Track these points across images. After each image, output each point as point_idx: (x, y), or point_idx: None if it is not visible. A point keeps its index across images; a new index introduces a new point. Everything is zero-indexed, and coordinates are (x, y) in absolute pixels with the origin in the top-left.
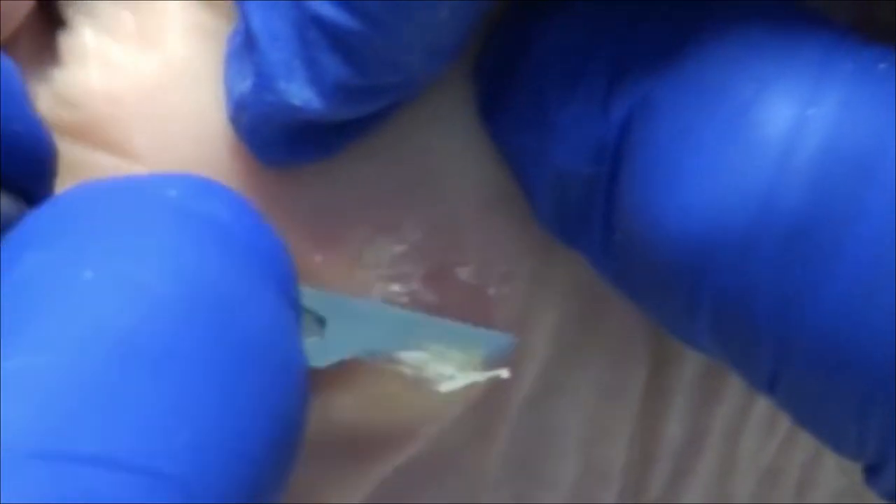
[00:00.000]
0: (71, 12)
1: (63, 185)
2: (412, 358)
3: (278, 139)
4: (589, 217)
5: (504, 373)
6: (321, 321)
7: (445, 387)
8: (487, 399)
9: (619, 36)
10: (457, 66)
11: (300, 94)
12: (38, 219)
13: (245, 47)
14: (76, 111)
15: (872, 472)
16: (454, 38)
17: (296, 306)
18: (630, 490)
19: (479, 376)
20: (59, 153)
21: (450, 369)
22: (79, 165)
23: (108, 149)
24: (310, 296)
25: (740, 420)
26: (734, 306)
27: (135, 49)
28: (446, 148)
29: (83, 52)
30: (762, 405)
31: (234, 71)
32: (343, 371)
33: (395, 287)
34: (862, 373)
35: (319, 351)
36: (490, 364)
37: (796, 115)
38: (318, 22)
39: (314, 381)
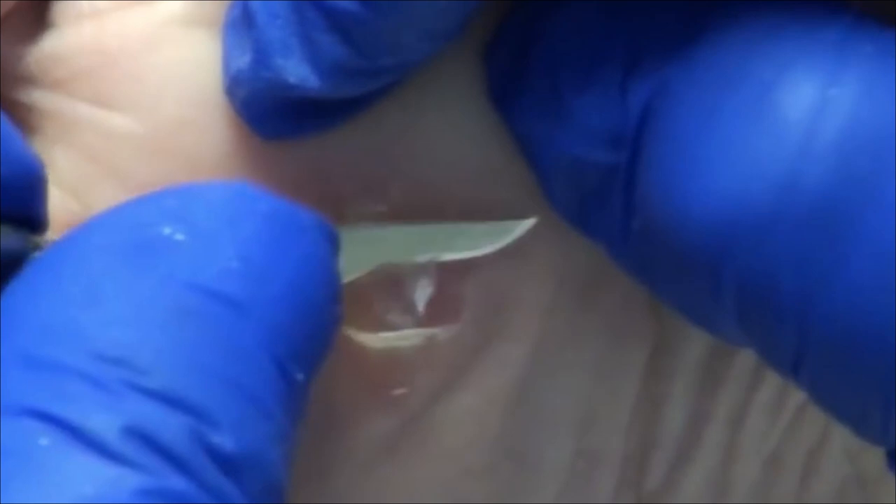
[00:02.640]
0: None
1: (50, 138)
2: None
3: (274, 114)
4: (607, 205)
5: (441, 333)
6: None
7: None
8: (473, 379)
9: (636, 22)
10: (453, 43)
11: (297, 71)
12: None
13: (243, 22)
14: (67, 65)
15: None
16: (454, 21)
17: (301, 365)
18: (629, 476)
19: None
20: (45, 107)
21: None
22: (65, 120)
23: (94, 101)
24: None
25: (743, 406)
26: (758, 288)
27: (128, 7)
28: (436, 120)
29: (77, 12)
30: (766, 391)
31: (232, 44)
32: None
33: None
34: (885, 355)
35: None
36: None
37: (818, 95)
38: (316, 2)
39: None
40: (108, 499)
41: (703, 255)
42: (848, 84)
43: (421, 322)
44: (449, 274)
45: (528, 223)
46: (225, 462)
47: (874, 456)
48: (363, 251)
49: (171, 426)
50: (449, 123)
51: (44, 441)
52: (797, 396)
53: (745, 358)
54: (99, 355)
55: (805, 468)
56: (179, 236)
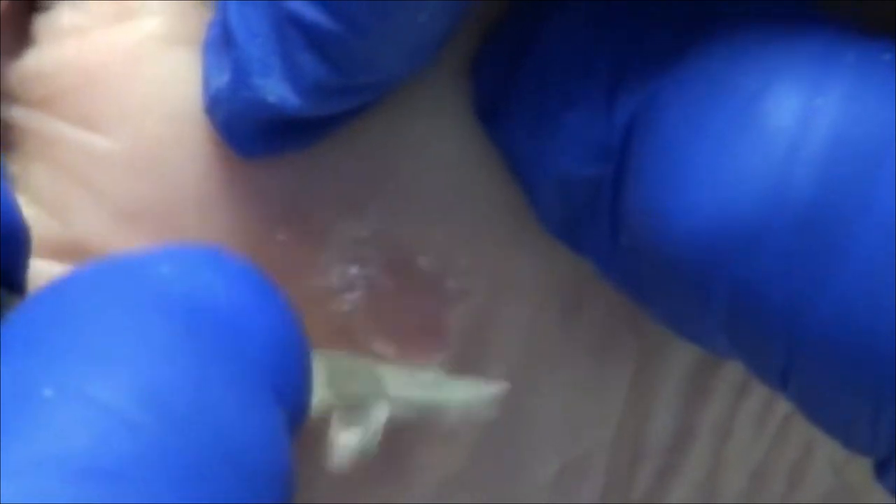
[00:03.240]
0: None
1: (29, 155)
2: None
3: (254, 133)
4: (595, 220)
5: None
6: None
7: None
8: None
9: (622, 35)
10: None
11: (277, 90)
12: (11, 326)
13: (223, 41)
14: (48, 83)
15: (883, 468)
16: (433, 39)
17: (287, 393)
18: (614, 488)
19: None
20: (25, 124)
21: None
22: (45, 138)
23: (77, 121)
24: None
25: (729, 417)
26: (746, 299)
27: (111, 24)
28: (418, 139)
29: (60, 29)
30: (752, 402)
31: (211, 63)
32: None
33: (354, 270)
34: (873, 365)
35: None
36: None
37: (803, 105)
38: (296, 21)
39: None
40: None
41: (691, 268)
42: (832, 93)
43: (404, 351)
44: (435, 302)
45: (500, 388)
46: None
47: (859, 467)
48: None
49: None
50: (428, 144)
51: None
52: (782, 409)
53: (731, 371)
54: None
55: (790, 479)
56: (166, 269)
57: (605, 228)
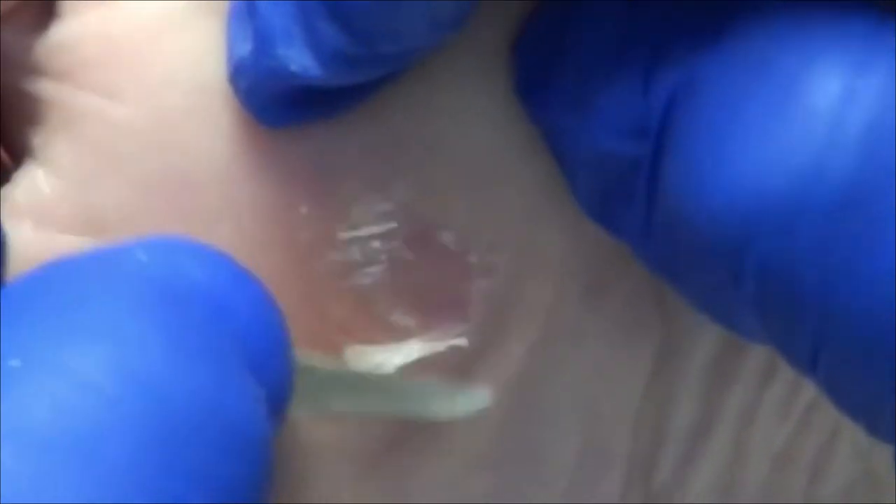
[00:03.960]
0: None
1: (54, 128)
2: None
3: (277, 102)
4: (631, 199)
5: (462, 342)
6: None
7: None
8: (476, 377)
9: (660, 15)
10: (461, 37)
11: (299, 60)
12: None
13: (246, 10)
14: (71, 54)
15: None
16: (455, 11)
17: (266, 376)
18: (636, 474)
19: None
20: (49, 97)
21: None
22: (68, 109)
23: (99, 92)
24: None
25: (753, 405)
26: (778, 279)
27: None
28: (443, 114)
29: (83, 2)
30: (776, 390)
31: (235, 32)
32: (319, 330)
33: (376, 244)
34: None
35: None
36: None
37: (845, 85)
38: None
39: None
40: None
41: (726, 245)
42: (874, 75)
43: (426, 323)
44: (457, 276)
45: (483, 396)
46: None
47: (884, 454)
48: (315, 390)
49: None
50: (456, 122)
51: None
52: (806, 396)
53: (755, 357)
54: None
55: (814, 466)
56: (144, 257)
57: (641, 208)
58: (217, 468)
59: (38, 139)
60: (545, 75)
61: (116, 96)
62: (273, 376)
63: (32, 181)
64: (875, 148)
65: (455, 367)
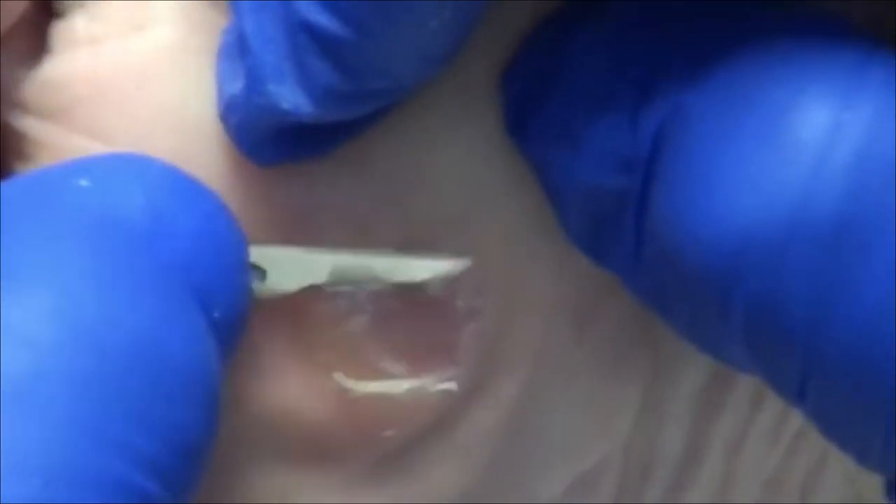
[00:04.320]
0: (66, 4)
1: (37, 164)
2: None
3: (267, 140)
4: (620, 231)
5: (452, 386)
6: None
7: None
8: (464, 416)
9: (649, 47)
10: (448, 73)
11: (291, 97)
12: None
13: (237, 48)
14: (60, 93)
15: (894, 487)
16: (445, 46)
17: (216, 297)
18: (626, 502)
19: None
20: (38, 136)
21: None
22: (57, 149)
23: (87, 132)
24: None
25: (742, 433)
26: (767, 312)
27: (124, 35)
28: (428, 160)
29: (73, 37)
30: (765, 417)
31: (226, 70)
32: (307, 374)
33: (361, 294)
34: (891, 383)
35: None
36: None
37: (831, 119)
38: (309, 27)
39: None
40: None
41: (714, 278)
42: (861, 108)
43: (415, 370)
44: (444, 323)
45: (465, 262)
46: None
47: (873, 478)
48: (292, 270)
49: None
50: (437, 166)
51: None
52: (795, 423)
53: (743, 387)
54: None
55: (803, 491)
56: (85, 182)
57: (630, 240)
58: (159, 406)
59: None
60: (533, 108)
61: (104, 138)
62: (223, 297)
63: None
64: (861, 181)
65: (446, 410)
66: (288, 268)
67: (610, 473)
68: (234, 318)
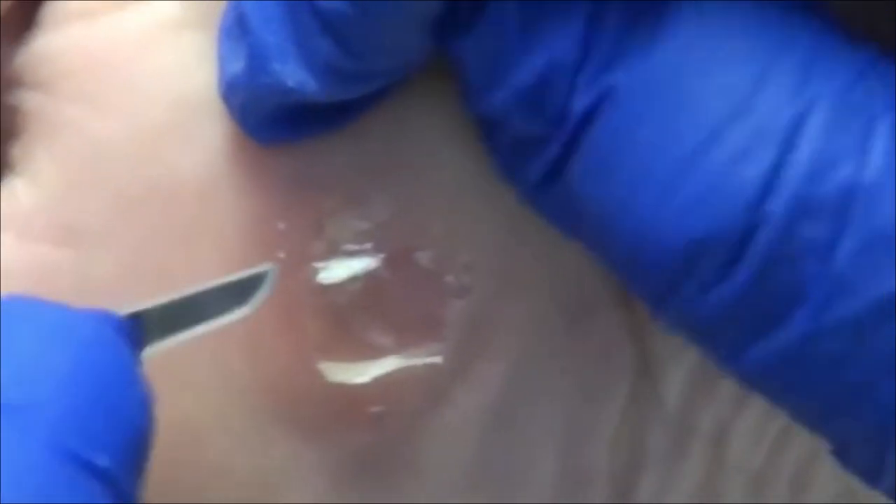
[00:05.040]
0: None
1: (34, 140)
2: None
3: (270, 119)
4: (535, 163)
5: (438, 360)
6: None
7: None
8: (453, 397)
9: (592, 14)
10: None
11: (294, 75)
12: None
13: (238, 27)
14: (53, 64)
15: (839, 455)
16: None
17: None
18: (615, 496)
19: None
20: (31, 108)
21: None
22: (48, 120)
23: (78, 101)
24: None
25: (728, 425)
26: (700, 318)
27: (119, 8)
28: (424, 135)
29: (66, 11)
30: (751, 410)
31: (227, 49)
32: (294, 348)
33: (354, 262)
34: (822, 391)
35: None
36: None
37: (774, 159)
38: (310, 5)
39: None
40: None
41: (660, 276)
42: (809, 142)
43: (401, 342)
44: (433, 297)
45: (269, 269)
46: None
47: None
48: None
49: None
50: (434, 140)
51: None
52: (781, 420)
53: (727, 385)
54: None
55: (792, 486)
56: None
57: (541, 175)
58: None
59: (18, 151)
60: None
61: (98, 108)
62: (105, 441)
63: (11, 192)
64: (804, 211)
65: (432, 388)
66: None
67: (599, 463)
68: (128, 443)
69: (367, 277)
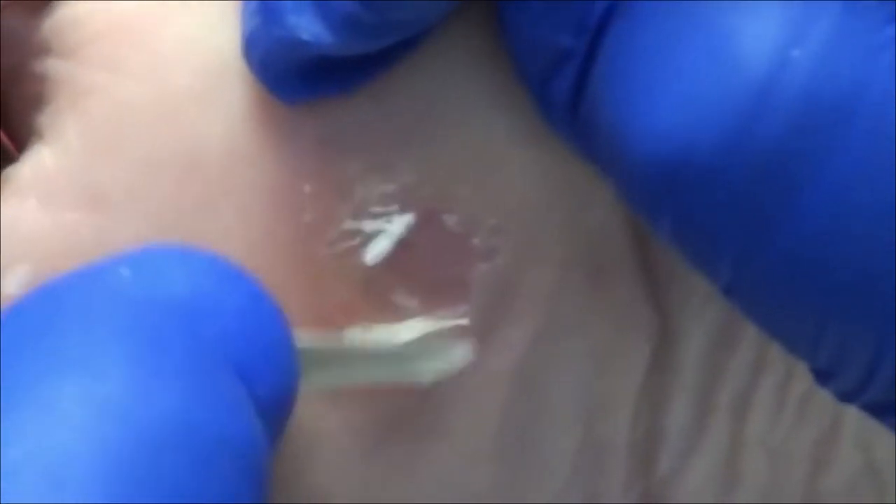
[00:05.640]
0: None
1: (61, 107)
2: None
3: (291, 74)
4: (560, 88)
5: (465, 322)
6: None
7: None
8: (475, 364)
9: None
10: (465, 22)
11: (310, 28)
12: None
13: None
14: (78, 30)
15: (823, 377)
16: None
17: (259, 378)
18: (636, 468)
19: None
20: (57, 75)
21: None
22: (74, 86)
23: (102, 66)
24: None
25: (746, 398)
26: (696, 227)
27: None
28: (449, 96)
29: None
30: (769, 382)
31: (246, 5)
32: (321, 310)
33: (380, 223)
34: (820, 296)
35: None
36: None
37: (780, 52)
38: None
39: None
40: None
41: (645, 185)
42: (810, 44)
43: (427, 304)
44: (460, 259)
45: (466, 350)
46: None
47: (885, 445)
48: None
49: None
50: (461, 103)
51: None
52: (799, 387)
53: (745, 351)
54: None
55: (814, 459)
56: (126, 272)
57: (567, 99)
58: (199, 481)
59: (45, 119)
60: None
61: (123, 72)
62: (267, 375)
63: (38, 159)
64: (804, 116)
65: None
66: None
67: (621, 433)
68: (280, 396)
69: (392, 240)
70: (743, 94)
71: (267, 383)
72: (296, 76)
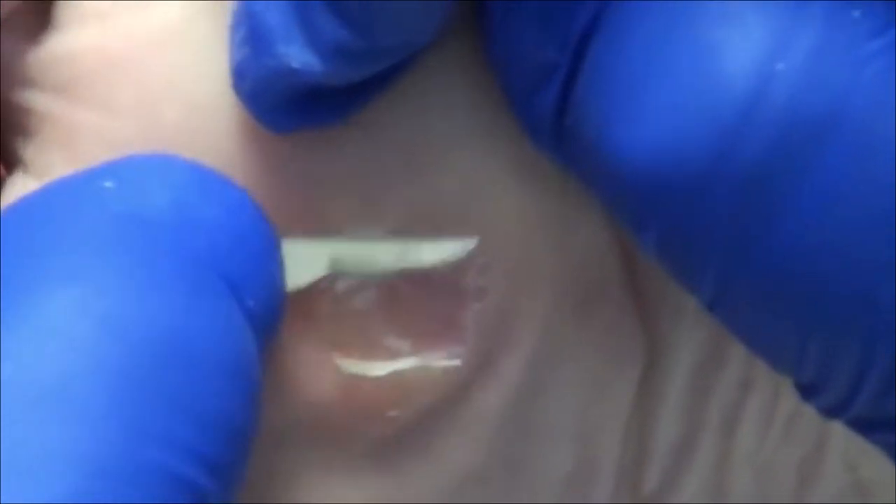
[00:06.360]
0: None
1: (48, 142)
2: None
3: (282, 106)
4: (544, 104)
5: (457, 363)
6: None
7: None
8: (468, 398)
9: None
10: (450, 52)
11: (300, 57)
12: None
13: (243, 12)
14: (68, 68)
15: (808, 392)
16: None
17: (249, 284)
18: (625, 486)
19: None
20: (44, 110)
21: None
22: (63, 123)
23: (95, 106)
24: None
25: (734, 416)
26: (680, 240)
27: (133, 9)
28: (436, 134)
29: (81, 12)
30: (756, 400)
31: (235, 36)
32: (310, 351)
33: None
34: (805, 310)
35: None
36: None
37: (765, 66)
38: None
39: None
40: None
41: (629, 201)
42: (794, 57)
43: (419, 347)
44: (450, 301)
45: (471, 243)
46: None
47: (873, 464)
48: (308, 262)
49: None
50: (445, 144)
51: None
52: (787, 406)
53: (733, 370)
54: None
55: (801, 476)
56: (109, 184)
57: (551, 115)
58: (198, 395)
59: (30, 151)
60: None
61: (112, 111)
62: (256, 285)
63: (24, 191)
64: (788, 130)
65: (451, 386)
66: (291, 261)
67: (611, 454)
68: (270, 306)
69: (383, 286)
70: (728, 108)
71: (256, 293)
72: (286, 106)
